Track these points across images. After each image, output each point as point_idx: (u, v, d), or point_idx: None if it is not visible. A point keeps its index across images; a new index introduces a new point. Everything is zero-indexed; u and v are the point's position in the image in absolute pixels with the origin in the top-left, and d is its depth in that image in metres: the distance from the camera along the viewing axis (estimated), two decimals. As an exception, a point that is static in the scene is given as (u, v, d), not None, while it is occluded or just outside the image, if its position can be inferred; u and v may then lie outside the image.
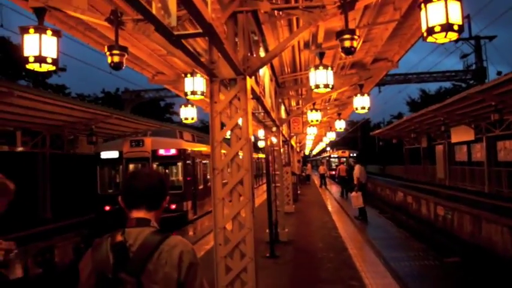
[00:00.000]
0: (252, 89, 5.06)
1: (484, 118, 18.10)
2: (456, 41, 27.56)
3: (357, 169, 14.60)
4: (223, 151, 4.28)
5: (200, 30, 2.81)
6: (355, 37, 4.15)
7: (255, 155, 28.43)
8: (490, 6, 15.81)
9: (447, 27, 3.88)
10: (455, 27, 3.91)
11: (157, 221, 1.92)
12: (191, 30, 3.97)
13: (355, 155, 43.37)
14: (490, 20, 17.49)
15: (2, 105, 11.36)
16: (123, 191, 1.91)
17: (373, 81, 11.59)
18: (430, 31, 3.97)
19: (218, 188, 4.21)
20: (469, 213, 13.62)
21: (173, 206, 13.60)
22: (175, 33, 2.82)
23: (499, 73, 21.75)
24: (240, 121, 4.27)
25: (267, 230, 8.81)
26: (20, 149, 15.08)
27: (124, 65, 4.52)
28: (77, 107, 13.75)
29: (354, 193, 14.28)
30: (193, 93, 7.09)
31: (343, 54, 5.59)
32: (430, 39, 4.06)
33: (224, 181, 4.27)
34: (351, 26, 6.18)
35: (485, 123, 18.80)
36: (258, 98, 5.70)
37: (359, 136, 59.49)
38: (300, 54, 7.99)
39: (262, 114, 8.37)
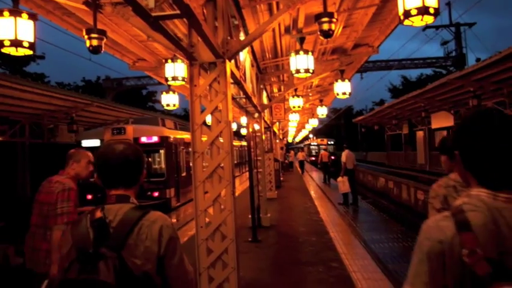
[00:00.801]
0: (232, 73, 5.07)
1: (463, 104, 18.42)
2: (436, 27, 27.94)
3: (344, 154, 14.74)
4: (204, 137, 4.31)
5: (178, 12, 2.81)
6: (334, 20, 4.20)
7: (237, 143, 28.45)
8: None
9: (423, 10, 3.97)
10: (431, 10, 4.00)
11: (136, 195, 1.95)
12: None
13: (332, 142, 45.76)
14: (470, 6, 17.71)
15: (-24, 93, 11.13)
16: (97, 170, 1.90)
17: (354, 67, 11.66)
18: (407, 14, 4.04)
19: (199, 171, 4.24)
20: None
21: (156, 194, 13.61)
22: (153, 14, 2.82)
23: (477, 60, 22.08)
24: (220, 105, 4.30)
25: (250, 216, 8.89)
26: (-1, 138, 14.82)
27: (103, 49, 4.49)
28: (57, 95, 13.50)
29: (339, 178, 14.40)
30: (174, 78, 7.05)
31: (322, 38, 5.63)
32: (406, 22, 4.14)
33: (205, 164, 4.31)
34: (331, 10, 6.23)
35: (464, 109, 19.14)
36: (238, 83, 5.72)
37: (342, 123, 60.00)
38: (281, 39, 7.99)
39: (244, 99, 8.39)
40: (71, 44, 14.05)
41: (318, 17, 4.18)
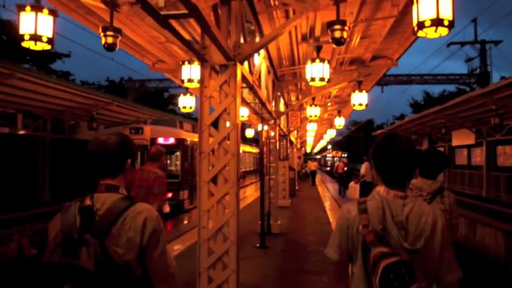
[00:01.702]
0: (245, 77, 5.12)
1: (485, 122, 18.05)
2: (461, 43, 27.55)
3: (363, 166, 14.59)
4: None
5: (185, 11, 2.86)
6: (346, 28, 4.20)
7: (254, 149, 28.46)
8: (496, 8, 15.75)
9: (437, 22, 3.95)
10: (446, 23, 3.97)
11: (127, 184, 1.98)
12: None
13: (345, 155, 47.17)
14: (495, 22, 17.41)
15: (3, 87, 11.41)
16: (86, 160, 1.95)
17: (373, 79, 11.59)
18: (421, 25, 4.03)
19: (204, 171, 4.27)
20: (464, 216, 13.64)
21: (169, 195, 13.70)
22: (162, 13, 2.88)
23: (502, 78, 21.69)
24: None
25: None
26: (21, 131, 15.18)
27: (117, 47, 4.59)
28: (78, 92, 13.76)
29: (352, 183, 14.25)
30: (190, 80, 7.14)
31: (340, 48, 5.62)
32: (420, 33, 4.12)
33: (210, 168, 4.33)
34: (349, 19, 6.23)
35: (486, 128, 18.76)
36: (251, 87, 5.75)
37: (362, 136, 59.50)
38: (298, 47, 8.02)
39: (258, 105, 8.42)
40: (95, 43, 14.36)
41: (330, 25, 4.19)
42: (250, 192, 20.89)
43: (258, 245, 8.44)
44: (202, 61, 4.27)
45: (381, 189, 1.99)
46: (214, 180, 4.31)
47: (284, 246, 8.74)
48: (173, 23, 5.70)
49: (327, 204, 16.89)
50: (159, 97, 42.69)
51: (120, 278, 1.66)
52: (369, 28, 7.30)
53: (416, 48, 8.31)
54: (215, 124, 4.39)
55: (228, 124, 4.28)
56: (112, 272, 1.64)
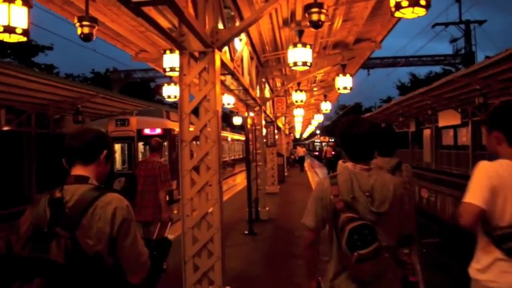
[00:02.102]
0: (225, 64, 5.08)
1: (470, 102, 18.17)
2: (445, 24, 27.62)
3: None
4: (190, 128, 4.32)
5: (157, -3, 2.81)
6: (323, 11, 4.17)
7: (241, 137, 28.41)
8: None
9: (414, 2, 3.94)
10: (422, 2, 3.97)
11: (99, 177, 1.96)
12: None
13: (332, 140, 47.94)
14: (478, 2, 17.45)
15: (-17, 82, 11.23)
16: (62, 152, 1.94)
17: (357, 62, 11.59)
18: (398, 6, 4.03)
19: (186, 160, 4.26)
20: (450, 195, 13.83)
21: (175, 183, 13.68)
22: (133, 0, 2.83)
23: (487, 58, 21.85)
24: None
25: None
26: (5, 127, 14.95)
27: (94, 37, 4.51)
28: (61, 85, 13.55)
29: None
30: (172, 69, 7.06)
31: (323, 32, 5.58)
32: (398, 14, 4.12)
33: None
34: (329, 2, 6.20)
35: (471, 108, 18.91)
36: (232, 74, 5.71)
37: (350, 120, 59.75)
38: (280, 32, 7.96)
39: (243, 92, 8.38)
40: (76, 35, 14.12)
41: (307, 7, 4.15)
42: (240, 180, 20.91)
43: (246, 232, 8.48)
44: (181, 49, 4.22)
45: (348, 164, 2.33)
46: (196, 168, 4.30)
47: (272, 232, 8.79)
48: (151, 11, 5.63)
49: (316, 189, 16.96)
50: (145, 87, 42.28)
51: (91, 268, 1.65)
52: (351, 11, 7.26)
53: (401, 30, 8.32)
54: (196, 112, 4.37)
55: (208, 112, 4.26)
56: (82, 264, 1.63)
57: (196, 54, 4.33)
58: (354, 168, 2.28)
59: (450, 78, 15.61)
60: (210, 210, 4.25)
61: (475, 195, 2.02)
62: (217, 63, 4.28)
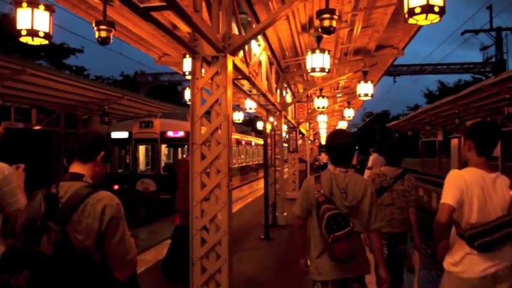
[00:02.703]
0: (239, 69, 5.13)
1: (499, 112, 17.70)
2: (476, 31, 26.92)
3: (371, 158, 14.35)
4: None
5: (164, 3, 2.88)
6: (335, 17, 4.17)
7: (261, 141, 28.40)
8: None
9: (427, 8, 3.91)
10: (436, 9, 3.93)
11: (95, 177, 2.04)
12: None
13: (357, 148, 45.85)
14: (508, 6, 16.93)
15: (16, 82, 11.64)
16: (64, 152, 2.05)
17: (380, 69, 11.48)
18: (411, 12, 4.00)
19: (196, 162, 4.32)
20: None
21: (177, 187, 13.84)
22: (141, 5, 2.91)
23: (518, 66, 21.20)
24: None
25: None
26: (36, 127, 15.47)
27: (111, 40, 4.64)
28: (89, 87, 13.97)
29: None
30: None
31: (343, 38, 5.57)
32: (411, 20, 4.08)
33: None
34: (347, 8, 6.19)
35: (501, 117, 18.38)
36: (248, 78, 5.76)
37: (377, 128, 58.90)
38: (300, 38, 7.97)
39: (262, 97, 8.42)
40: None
41: (319, 14, 4.17)
42: (263, 185, 20.88)
43: (262, 236, 8.49)
44: (193, 53, 4.30)
45: (331, 167, 2.91)
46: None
47: (288, 238, 8.76)
48: (171, 16, 5.75)
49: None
50: (172, 90, 42.90)
51: (79, 262, 1.71)
52: (370, 17, 7.22)
53: (428, 37, 8.20)
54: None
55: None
56: (71, 257, 1.69)
57: (209, 58, 4.40)
58: (335, 170, 2.86)
59: (478, 87, 15.24)
60: (218, 213, 4.30)
61: (447, 196, 2.46)
62: (230, 67, 4.34)
